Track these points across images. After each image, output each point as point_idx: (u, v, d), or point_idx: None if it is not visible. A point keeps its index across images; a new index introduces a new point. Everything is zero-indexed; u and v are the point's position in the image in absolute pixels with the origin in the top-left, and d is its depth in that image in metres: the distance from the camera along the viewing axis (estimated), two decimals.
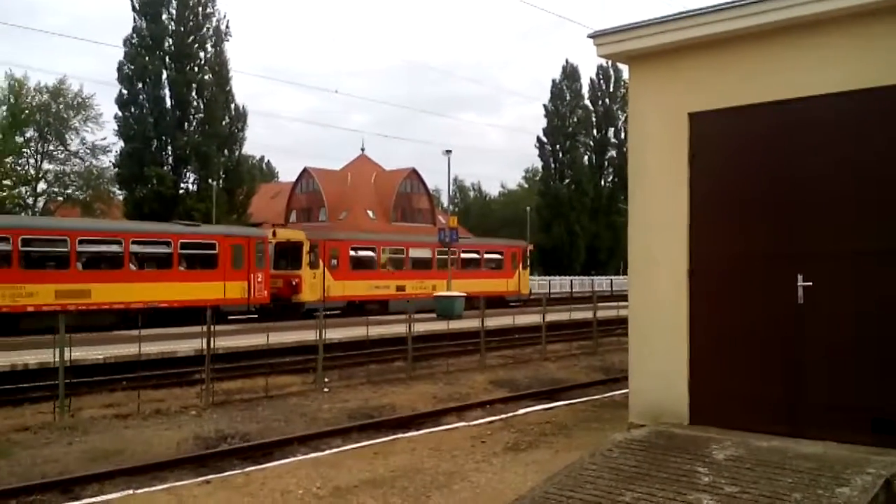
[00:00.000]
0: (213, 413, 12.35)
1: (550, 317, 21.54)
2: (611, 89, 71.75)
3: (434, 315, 25.72)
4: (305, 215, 67.94)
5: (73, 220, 29.53)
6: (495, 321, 22.18)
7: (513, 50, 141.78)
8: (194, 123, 47.04)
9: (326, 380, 15.02)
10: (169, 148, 46.90)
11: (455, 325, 20.92)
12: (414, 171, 70.79)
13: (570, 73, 70.25)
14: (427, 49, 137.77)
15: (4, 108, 49.71)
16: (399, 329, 19.23)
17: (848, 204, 6.95)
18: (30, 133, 51.40)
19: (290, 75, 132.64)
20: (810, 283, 7.04)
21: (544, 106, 70.17)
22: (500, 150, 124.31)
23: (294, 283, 29.22)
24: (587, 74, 75.76)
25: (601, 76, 71.50)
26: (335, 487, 7.28)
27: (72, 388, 12.71)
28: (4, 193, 49.59)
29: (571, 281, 59.15)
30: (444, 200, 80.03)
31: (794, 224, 7.21)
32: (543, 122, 70.39)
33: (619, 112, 70.03)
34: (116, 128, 46.56)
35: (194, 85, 46.62)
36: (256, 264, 27.45)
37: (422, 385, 15.10)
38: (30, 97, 51.20)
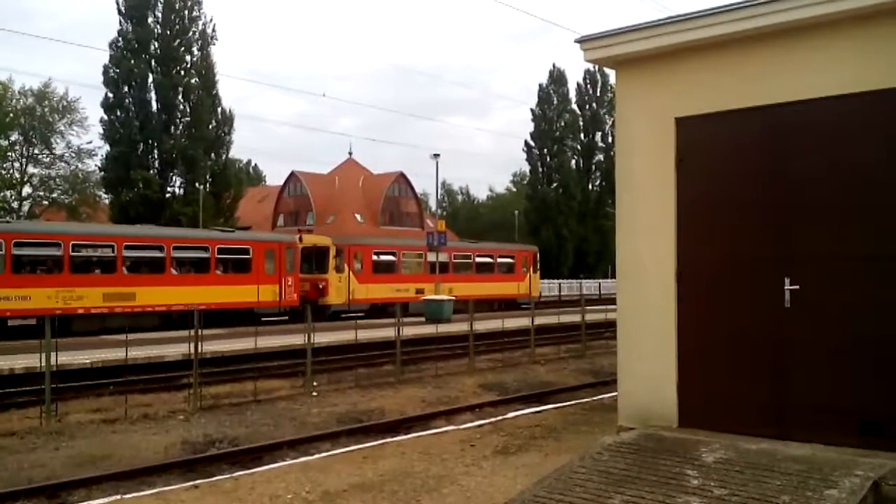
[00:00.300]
0: (202, 417, 12.30)
1: (539, 320, 21.59)
2: (598, 94, 72.08)
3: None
4: (293, 219, 67.80)
5: (118, 226, 31.35)
6: (484, 324, 22.21)
7: (502, 54, 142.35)
8: (181, 127, 46.91)
9: (315, 384, 15.00)
10: (155, 151, 46.75)
11: (444, 328, 20.92)
12: (402, 175, 70.84)
13: (558, 77, 70.55)
14: (415, 53, 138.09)
15: None
16: (388, 333, 19.22)
17: (834, 208, 7.00)
18: (14, 136, 50.96)
19: (277, 79, 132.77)
20: (797, 287, 7.09)
21: (532, 110, 70.53)
22: (488, 154, 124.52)
23: (321, 286, 30.75)
24: (574, 79, 76.35)
25: (588, 80, 71.88)
26: (324, 492, 7.26)
27: (58, 392, 12.65)
28: None
29: (560, 284, 59.27)
30: (433, 204, 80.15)
31: (781, 228, 7.25)
32: (531, 127, 70.70)
33: (607, 116, 70.33)
34: (102, 131, 46.43)
35: (180, 88, 46.50)
36: (287, 268, 28.93)
37: (411, 389, 15.09)
38: (14, 100, 50.79)
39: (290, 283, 28.96)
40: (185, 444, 10.59)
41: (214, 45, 48.33)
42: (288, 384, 15.26)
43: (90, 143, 52.46)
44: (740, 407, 7.39)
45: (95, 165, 50.46)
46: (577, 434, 9.62)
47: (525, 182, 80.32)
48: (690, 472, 6.22)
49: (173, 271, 26.01)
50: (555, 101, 70.34)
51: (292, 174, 70.60)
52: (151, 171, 45.96)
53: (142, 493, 7.71)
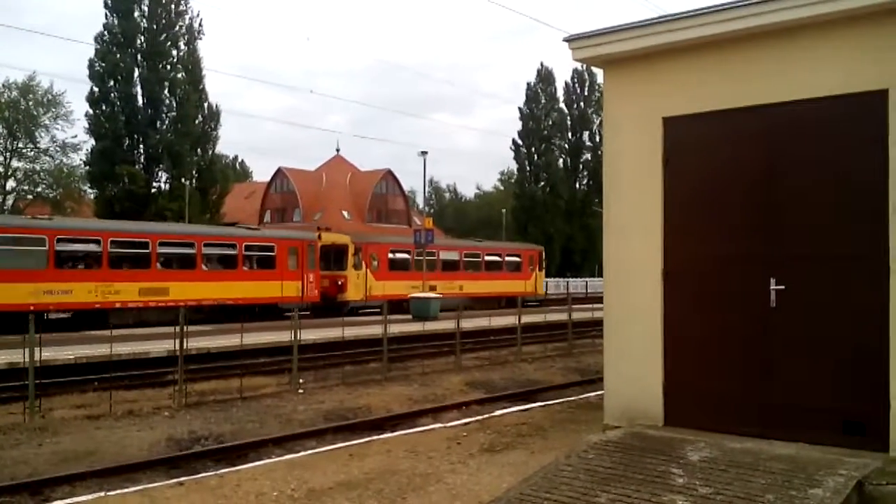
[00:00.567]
0: (187, 414, 12.24)
1: (526, 318, 21.60)
2: (585, 93, 72.26)
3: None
4: (280, 215, 67.61)
5: (153, 224, 32.03)
6: (471, 323, 22.21)
7: (488, 52, 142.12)
8: (167, 122, 46.61)
9: (301, 381, 14.95)
10: (141, 146, 46.44)
11: (430, 326, 20.92)
12: (389, 173, 70.78)
13: (545, 76, 70.65)
14: (402, 50, 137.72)
15: None
16: (374, 330, 19.19)
17: (820, 209, 7.04)
18: None
19: (264, 74, 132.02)
20: (783, 287, 7.13)
21: (519, 109, 70.65)
22: (475, 152, 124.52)
23: (340, 283, 32.05)
24: (562, 78, 76.39)
25: (576, 80, 72.06)
26: (310, 489, 7.23)
27: (42, 388, 12.53)
28: None
29: (546, 283, 59.26)
30: (420, 202, 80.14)
31: (767, 228, 7.29)
32: (518, 125, 70.77)
33: (594, 115, 70.48)
34: (87, 125, 46.08)
35: (167, 83, 46.21)
36: (308, 265, 29.99)
37: (397, 386, 15.07)
38: None
39: (311, 279, 30.01)
40: (170, 441, 10.54)
41: (201, 39, 48.19)
42: (274, 381, 15.21)
43: (75, 137, 51.73)
44: (726, 406, 7.43)
45: (80, 160, 50.23)
46: (563, 432, 9.63)
47: (512, 180, 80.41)
48: (676, 470, 6.25)
49: (204, 267, 27.01)
50: (542, 100, 70.45)
51: (279, 170, 70.36)
52: (137, 166, 45.64)
53: (126, 490, 7.65)
